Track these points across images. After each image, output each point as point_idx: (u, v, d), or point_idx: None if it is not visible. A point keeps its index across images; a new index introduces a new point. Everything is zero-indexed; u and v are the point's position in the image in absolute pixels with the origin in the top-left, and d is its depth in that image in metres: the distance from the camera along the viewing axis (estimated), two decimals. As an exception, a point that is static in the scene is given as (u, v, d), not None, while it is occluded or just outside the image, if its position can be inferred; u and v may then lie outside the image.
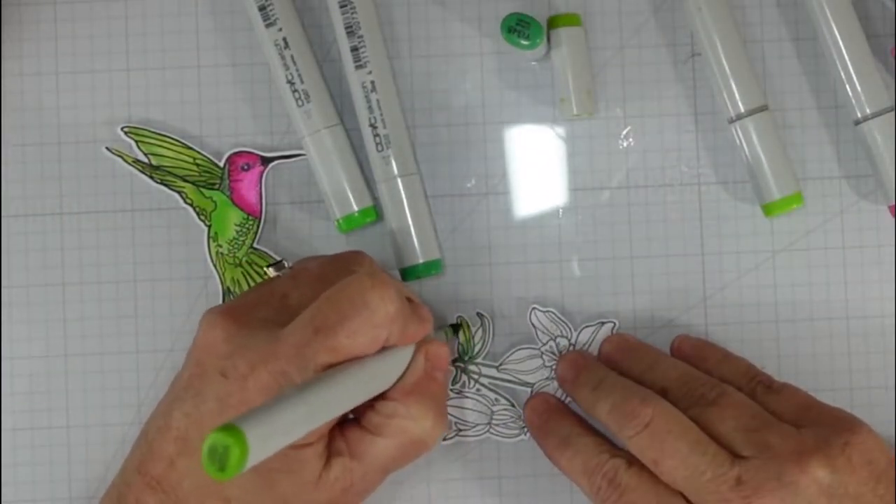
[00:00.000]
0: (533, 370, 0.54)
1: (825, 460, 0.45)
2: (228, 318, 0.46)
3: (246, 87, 0.55)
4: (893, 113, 0.52)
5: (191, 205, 0.54)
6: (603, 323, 0.53)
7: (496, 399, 0.54)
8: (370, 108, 0.53)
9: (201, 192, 0.54)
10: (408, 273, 0.54)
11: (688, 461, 0.46)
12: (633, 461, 0.48)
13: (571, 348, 0.53)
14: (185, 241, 0.54)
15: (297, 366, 0.44)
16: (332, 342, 0.44)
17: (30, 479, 0.54)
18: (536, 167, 0.55)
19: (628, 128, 0.55)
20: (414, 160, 0.54)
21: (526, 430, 0.53)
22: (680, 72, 0.55)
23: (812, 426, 0.47)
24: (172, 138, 0.54)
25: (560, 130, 0.55)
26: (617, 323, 0.53)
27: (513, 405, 0.53)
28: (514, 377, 0.54)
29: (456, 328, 0.54)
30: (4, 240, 0.54)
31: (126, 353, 0.54)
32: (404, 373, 0.48)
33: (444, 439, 0.53)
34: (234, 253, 0.54)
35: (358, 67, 0.53)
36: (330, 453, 0.46)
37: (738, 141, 0.53)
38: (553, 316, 0.53)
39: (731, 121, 0.53)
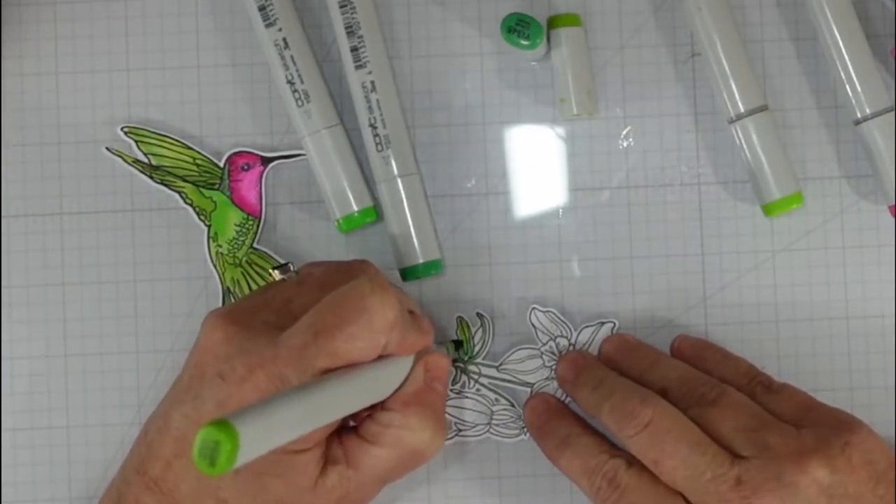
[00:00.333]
0: (533, 370, 0.54)
1: (825, 460, 0.45)
2: (230, 321, 0.46)
3: (246, 87, 0.55)
4: (893, 113, 0.52)
5: (191, 205, 0.54)
6: (603, 323, 0.53)
7: (496, 399, 0.54)
8: (370, 108, 0.53)
9: (201, 192, 0.54)
10: (408, 273, 0.54)
11: (688, 461, 0.46)
12: (632, 461, 0.48)
13: (571, 348, 0.53)
14: (185, 241, 0.54)
15: (296, 369, 0.44)
16: (330, 346, 0.44)
17: (30, 479, 0.54)
18: (536, 167, 0.55)
19: (628, 128, 0.55)
20: (414, 160, 0.54)
21: (526, 430, 0.53)
22: (680, 72, 0.55)
23: (812, 426, 0.47)
24: (172, 138, 0.54)
25: (560, 130, 0.55)
26: (617, 323, 0.53)
27: (513, 405, 0.53)
28: (514, 377, 0.54)
29: (458, 344, 0.54)
30: (4, 240, 0.54)
31: (126, 353, 0.54)
32: (403, 383, 0.48)
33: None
34: (234, 253, 0.54)
35: (358, 67, 0.53)
36: (327, 461, 0.46)
37: (738, 141, 0.53)
38: (553, 316, 0.53)
39: (731, 121, 0.53)
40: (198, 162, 0.54)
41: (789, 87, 0.55)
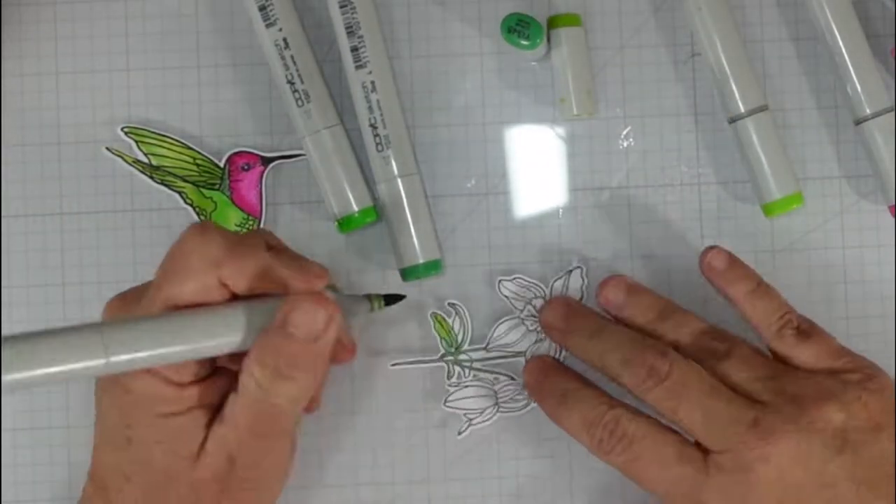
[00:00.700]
0: (519, 339, 0.53)
1: (840, 405, 0.46)
2: (119, 299, 0.47)
3: (246, 87, 0.55)
4: (893, 113, 0.52)
5: (191, 205, 0.54)
6: (570, 270, 0.53)
7: (495, 378, 0.53)
8: (370, 108, 0.53)
9: (201, 192, 0.54)
10: (408, 273, 0.54)
11: (706, 406, 0.46)
12: (633, 411, 0.48)
13: None
14: (185, 241, 0.54)
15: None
16: (164, 293, 0.44)
17: (30, 479, 0.54)
18: (536, 167, 0.55)
19: (628, 128, 0.55)
20: (414, 160, 0.54)
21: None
22: (680, 72, 0.55)
23: (835, 373, 0.48)
24: (172, 138, 0.54)
25: (560, 130, 0.55)
26: (584, 267, 0.53)
27: (513, 378, 0.53)
28: (505, 351, 0.54)
29: (390, 299, 0.51)
30: (4, 240, 0.54)
31: (126, 353, 0.54)
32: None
33: (459, 433, 0.53)
34: (234, 253, 0.54)
35: (358, 67, 0.53)
36: (210, 425, 0.45)
37: (738, 141, 0.53)
38: (521, 281, 0.53)
39: (731, 121, 0.53)
40: (198, 162, 0.54)
41: (789, 87, 0.55)
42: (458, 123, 0.55)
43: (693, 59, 0.55)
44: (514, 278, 0.53)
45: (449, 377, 0.53)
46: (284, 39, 0.53)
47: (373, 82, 0.53)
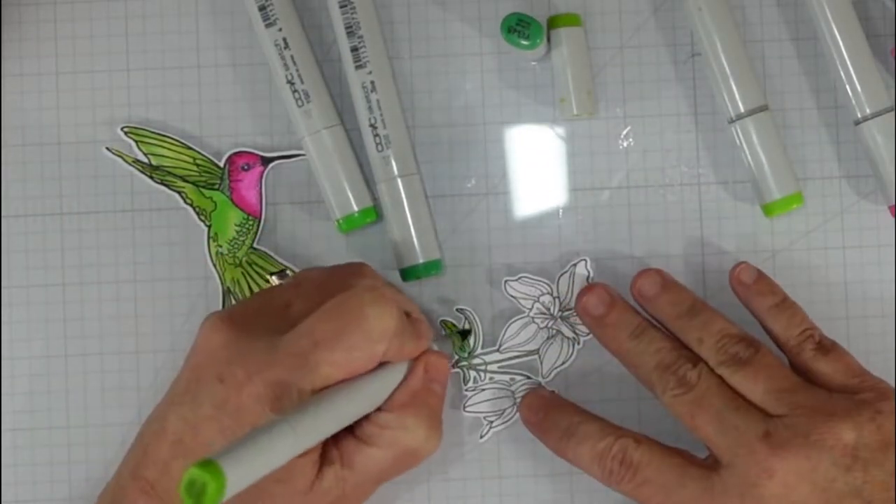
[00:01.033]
0: (531, 337, 0.54)
1: (853, 424, 0.46)
2: (229, 324, 0.46)
3: (246, 87, 0.55)
4: (893, 113, 0.52)
5: (191, 205, 0.54)
6: (575, 264, 0.53)
7: (512, 379, 0.54)
8: (370, 108, 0.53)
9: (201, 192, 0.54)
10: (408, 273, 0.54)
11: (721, 415, 0.47)
12: (639, 439, 0.48)
13: (556, 300, 0.53)
14: (185, 241, 0.54)
15: (295, 377, 0.44)
16: (330, 356, 0.44)
17: (30, 479, 0.54)
18: (536, 167, 0.55)
19: (628, 128, 0.55)
20: (414, 160, 0.54)
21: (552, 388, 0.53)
22: (680, 72, 0.55)
23: (851, 392, 0.48)
24: (172, 138, 0.54)
25: (560, 130, 0.55)
26: (588, 259, 0.53)
27: (529, 377, 0.53)
28: (518, 351, 0.54)
29: (465, 334, 0.54)
30: (4, 240, 0.54)
31: (126, 353, 0.54)
32: (401, 384, 0.48)
33: (480, 437, 0.53)
34: (234, 253, 0.54)
35: (358, 67, 0.53)
36: (323, 462, 0.46)
37: (738, 141, 0.53)
38: (527, 280, 0.53)
39: (731, 121, 0.53)
40: (198, 162, 0.54)
41: (789, 87, 0.55)
42: (458, 123, 0.55)
43: (693, 59, 0.55)
44: (520, 277, 0.53)
45: (465, 382, 0.53)
46: (284, 39, 0.53)
47: (373, 82, 0.53)
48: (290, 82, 0.53)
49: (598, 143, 0.55)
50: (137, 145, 0.54)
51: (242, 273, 0.54)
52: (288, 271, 0.51)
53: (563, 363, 0.54)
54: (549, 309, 0.53)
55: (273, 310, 0.48)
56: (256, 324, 0.47)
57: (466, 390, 0.53)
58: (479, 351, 0.54)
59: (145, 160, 0.54)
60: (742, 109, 0.53)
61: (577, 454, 0.50)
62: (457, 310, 0.54)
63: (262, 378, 0.44)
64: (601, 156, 0.54)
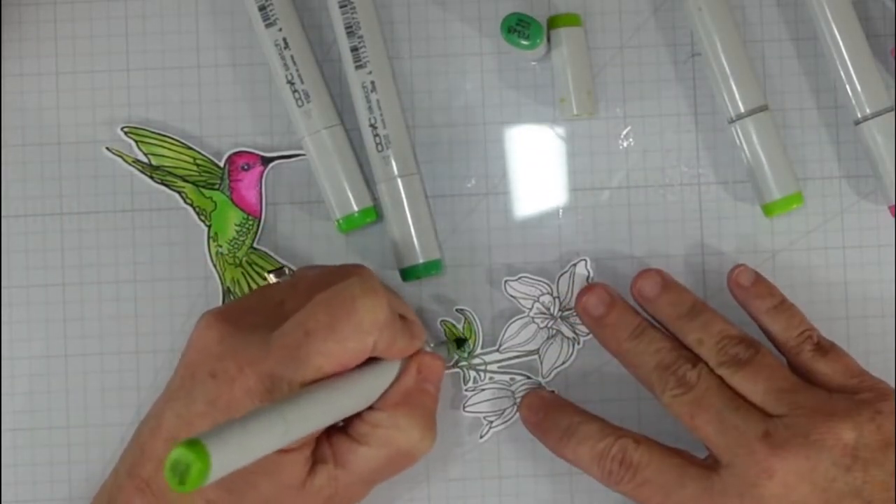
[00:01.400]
0: (531, 337, 0.54)
1: (853, 424, 0.46)
2: (223, 320, 0.46)
3: (246, 87, 0.55)
4: (893, 113, 0.52)
5: (191, 205, 0.54)
6: (575, 264, 0.53)
7: (511, 379, 0.54)
8: (370, 108, 0.53)
9: (201, 192, 0.54)
10: (408, 273, 0.54)
11: (721, 416, 0.47)
12: (639, 439, 0.49)
13: (556, 300, 0.53)
14: (185, 241, 0.54)
15: (287, 368, 0.44)
16: (322, 346, 0.44)
17: (30, 479, 0.54)
18: (536, 167, 0.55)
19: (628, 128, 0.55)
20: (414, 160, 0.54)
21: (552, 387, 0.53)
22: (680, 72, 0.55)
23: (850, 392, 0.48)
24: (172, 138, 0.54)
25: (560, 130, 0.55)
26: (588, 259, 0.53)
27: (529, 377, 0.53)
28: (518, 351, 0.54)
29: (460, 342, 0.54)
30: (4, 240, 0.54)
31: (126, 353, 0.54)
32: (393, 383, 0.48)
33: (480, 437, 0.53)
34: (234, 253, 0.54)
35: (358, 67, 0.53)
36: (315, 460, 0.46)
37: (738, 141, 0.53)
38: (527, 280, 0.53)
39: (731, 121, 0.53)
40: (198, 162, 0.54)
41: (789, 87, 0.55)
42: (458, 123, 0.55)
43: (693, 59, 0.55)
44: (520, 277, 0.53)
45: (465, 382, 0.53)
46: (284, 39, 0.53)
47: (373, 82, 0.53)
48: (290, 82, 0.53)
49: (598, 143, 0.55)
50: (137, 145, 0.54)
51: (242, 273, 0.54)
52: (286, 269, 0.51)
53: (563, 363, 0.54)
54: (549, 309, 0.53)
55: (267, 307, 0.48)
56: (250, 320, 0.47)
57: (466, 390, 0.53)
58: (479, 351, 0.54)
59: (145, 160, 0.54)
60: (742, 109, 0.53)
61: (576, 454, 0.50)
62: (457, 310, 0.54)
63: (254, 371, 0.44)
64: (601, 156, 0.55)
